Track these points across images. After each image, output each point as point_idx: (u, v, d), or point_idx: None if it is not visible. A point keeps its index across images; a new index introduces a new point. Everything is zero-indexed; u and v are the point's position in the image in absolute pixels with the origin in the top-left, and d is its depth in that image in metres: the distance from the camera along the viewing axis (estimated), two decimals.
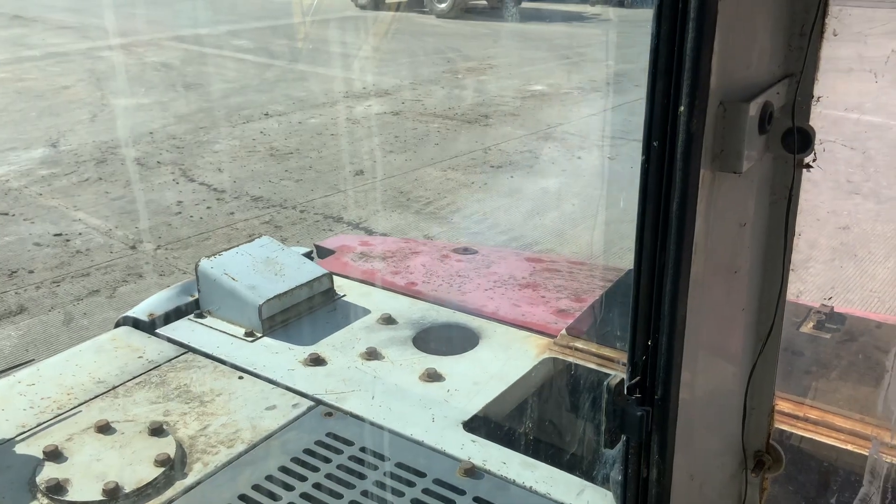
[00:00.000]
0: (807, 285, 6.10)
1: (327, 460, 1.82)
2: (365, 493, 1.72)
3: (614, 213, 7.43)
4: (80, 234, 7.18)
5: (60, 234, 7.15)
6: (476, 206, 7.77)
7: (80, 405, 2.02)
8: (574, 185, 8.37)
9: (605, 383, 1.08)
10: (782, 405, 1.87)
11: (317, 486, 1.74)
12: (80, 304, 5.93)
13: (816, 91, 1.13)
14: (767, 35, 1.11)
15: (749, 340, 1.30)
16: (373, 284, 2.63)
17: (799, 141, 1.08)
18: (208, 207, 7.73)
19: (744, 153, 1.04)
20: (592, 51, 15.64)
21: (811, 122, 1.13)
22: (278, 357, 2.22)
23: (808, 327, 2.20)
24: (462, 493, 1.71)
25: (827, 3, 1.10)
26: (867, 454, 1.76)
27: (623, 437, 1.11)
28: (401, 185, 8.37)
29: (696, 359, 1.15)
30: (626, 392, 1.09)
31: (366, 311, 2.46)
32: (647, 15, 0.98)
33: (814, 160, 1.13)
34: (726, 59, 1.01)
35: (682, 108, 0.95)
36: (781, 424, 1.83)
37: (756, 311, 1.28)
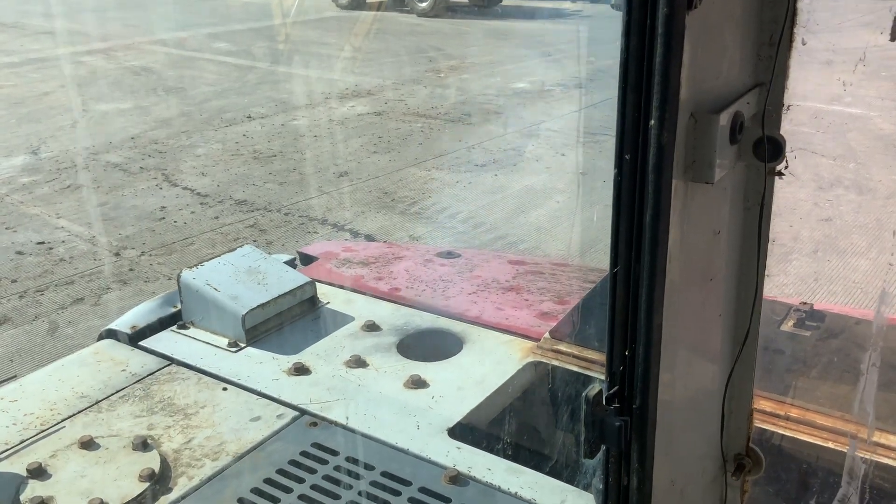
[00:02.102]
0: (790, 277, 6.15)
1: (312, 471, 1.82)
2: None
3: (596, 211, 7.46)
4: (63, 241, 7.13)
5: (43, 243, 7.10)
6: (461, 205, 7.77)
7: (63, 420, 2.02)
8: (558, 182, 8.39)
9: (584, 394, 1.09)
10: (763, 404, 1.89)
11: (302, 497, 1.74)
12: (64, 312, 5.90)
13: (786, 100, 1.14)
14: (737, 46, 1.12)
15: (726, 345, 1.31)
16: (356, 291, 2.63)
17: (770, 150, 1.09)
18: (192, 212, 7.70)
19: (715, 163, 1.05)
20: (573, 47, 15.67)
21: (782, 131, 1.14)
22: (262, 367, 2.22)
23: (788, 325, 2.22)
24: (448, 500, 1.72)
25: (795, 12, 1.11)
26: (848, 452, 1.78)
27: (602, 447, 1.12)
28: (385, 185, 8.36)
29: (674, 365, 1.16)
30: (604, 402, 1.10)
31: (349, 319, 2.46)
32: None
33: (785, 167, 1.14)
34: (696, 70, 1.02)
35: (652, 122, 0.95)
36: (763, 423, 1.84)
37: (733, 316, 1.29)
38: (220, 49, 15.91)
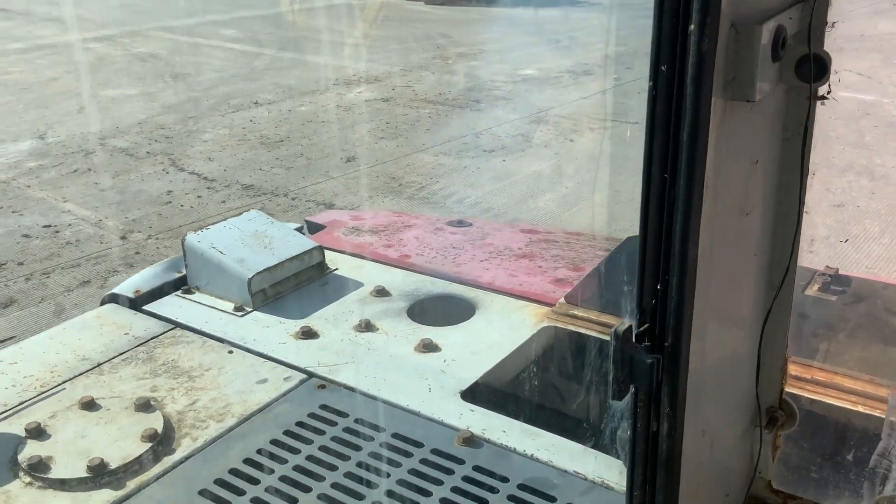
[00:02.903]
0: (801, 262, 6.05)
1: (321, 432, 1.75)
2: (360, 465, 1.65)
3: (608, 195, 7.37)
4: (69, 224, 7.08)
5: (50, 226, 7.05)
6: (469, 190, 7.69)
7: (64, 382, 1.95)
8: (567, 167, 8.30)
9: (613, 329, 1.01)
10: (790, 368, 1.81)
11: (311, 458, 1.68)
12: (70, 294, 5.85)
13: (830, 16, 1.07)
14: None
15: (761, 289, 1.23)
16: (365, 258, 2.56)
17: (815, 68, 1.02)
18: (199, 196, 7.64)
19: (757, 80, 0.97)
20: (583, 34, 15.53)
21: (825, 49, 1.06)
22: (269, 331, 2.15)
23: (813, 290, 2.14)
24: (461, 462, 1.65)
25: None
26: (878, 415, 1.71)
27: (632, 388, 1.04)
28: (393, 170, 8.28)
29: (706, 306, 1.08)
30: (634, 339, 1.03)
31: (358, 284, 2.39)
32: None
33: (828, 91, 1.07)
34: None
35: (692, 27, 0.88)
36: (790, 387, 1.77)
37: (769, 256, 1.21)
38: (227, 36, 15.82)
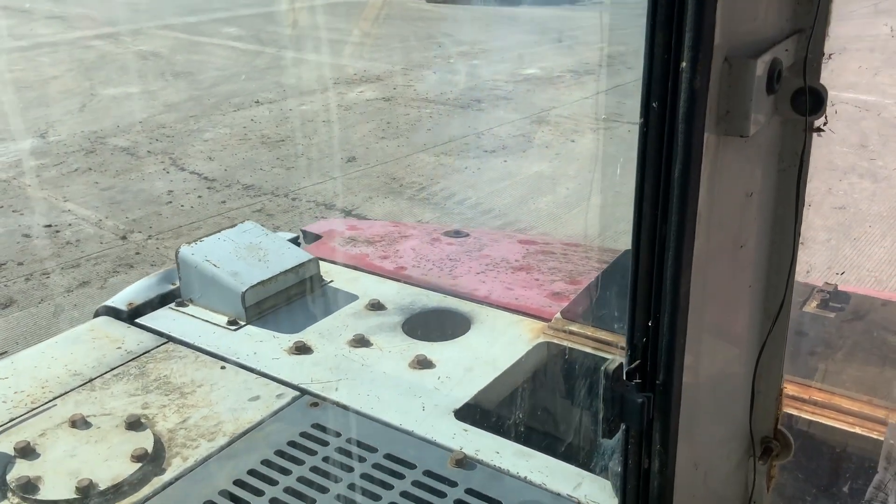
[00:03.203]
0: (801, 266, 6.03)
1: (312, 452, 1.73)
2: (352, 487, 1.64)
3: (609, 197, 7.35)
4: (69, 224, 7.07)
5: (50, 226, 7.05)
6: (470, 191, 7.67)
7: (54, 399, 1.94)
8: (568, 168, 8.28)
9: (603, 368, 0.99)
10: (787, 388, 1.79)
11: (301, 479, 1.66)
12: (70, 295, 5.84)
13: (827, 48, 1.04)
14: None
15: (756, 320, 1.21)
16: (361, 269, 2.54)
17: (811, 101, 0.99)
18: (199, 196, 7.63)
19: (751, 114, 0.95)
20: (584, 34, 15.49)
21: (822, 82, 1.04)
22: (262, 346, 2.13)
23: (811, 306, 2.12)
24: (454, 484, 1.63)
25: None
26: (876, 437, 1.69)
27: (622, 426, 1.03)
28: (393, 171, 8.27)
29: (699, 340, 1.06)
30: (625, 377, 1.01)
31: (353, 297, 2.37)
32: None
33: (824, 123, 1.04)
34: (730, 10, 0.92)
35: (683, 64, 0.86)
36: (786, 408, 1.75)
37: (763, 289, 1.19)
38: (228, 34, 15.80)
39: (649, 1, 0.87)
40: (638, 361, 1.00)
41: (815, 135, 1.08)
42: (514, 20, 17.62)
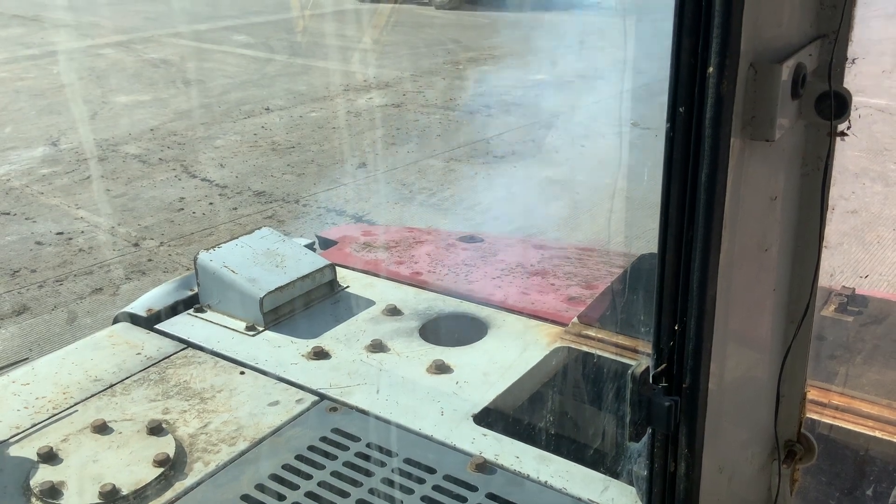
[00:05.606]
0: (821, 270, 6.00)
1: (333, 457, 1.74)
2: (372, 492, 1.65)
3: (622, 203, 7.34)
4: (82, 232, 7.11)
5: (62, 233, 7.09)
6: (480, 196, 7.68)
7: (76, 404, 1.95)
8: (578, 173, 8.28)
9: (630, 372, 1.00)
10: (809, 392, 1.79)
11: (322, 484, 1.67)
12: (83, 302, 5.87)
13: (850, 53, 1.05)
14: None
15: (780, 323, 1.22)
16: (377, 275, 2.55)
17: (835, 105, 1.00)
18: (211, 203, 7.66)
19: (776, 119, 0.96)
20: (593, 38, 15.49)
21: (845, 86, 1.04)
22: (280, 351, 2.15)
23: (829, 310, 2.12)
24: (474, 489, 1.64)
25: None
26: None
27: (649, 430, 1.03)
28: (403, 177, 8.28)
29: (725, 343, 1.07)
30: (651, 381, 1.01)
31: (370, 303, 2.38)
32: (649, 1, 0.90)
33: (848, 127, 1.05)
34: (755, 17, 0.93)
35: (710, 69, 0.86)
36: (809, 413, 1.75)
37: (787, 292, 1.20)
38: (238, 41, 15.87)
39: (676, 7, 0.87)
40: (664, 365, 1.01)
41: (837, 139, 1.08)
42: (522, 26, 17.64)
